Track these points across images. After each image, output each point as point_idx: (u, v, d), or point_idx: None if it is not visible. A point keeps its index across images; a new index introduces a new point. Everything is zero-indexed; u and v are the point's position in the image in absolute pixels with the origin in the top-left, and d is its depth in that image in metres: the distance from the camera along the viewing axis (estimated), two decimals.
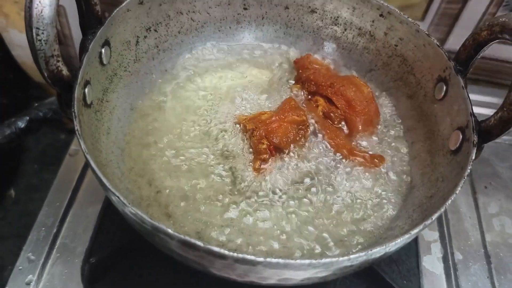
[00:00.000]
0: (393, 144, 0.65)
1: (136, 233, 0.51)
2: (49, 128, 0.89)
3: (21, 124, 0.77)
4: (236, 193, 0.57)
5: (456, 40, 0.58)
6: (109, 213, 0.65)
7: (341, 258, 0.40)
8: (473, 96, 0.57)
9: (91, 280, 0.59)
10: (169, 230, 0.40)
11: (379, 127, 0.66)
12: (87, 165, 0.72)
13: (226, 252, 0.40)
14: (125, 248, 0.61)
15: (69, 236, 0.63)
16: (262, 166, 0.59)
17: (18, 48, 0.88)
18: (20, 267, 0.60)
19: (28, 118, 0.77)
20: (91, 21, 0.55)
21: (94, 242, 0.62)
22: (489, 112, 0.66)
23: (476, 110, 0.55)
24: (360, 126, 0.65)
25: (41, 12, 0.44)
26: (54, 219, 0.65)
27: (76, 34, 0.90)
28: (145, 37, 0.66)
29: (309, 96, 0.67)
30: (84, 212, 0.65)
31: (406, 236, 0.43)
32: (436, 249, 0.67)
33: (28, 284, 0.59)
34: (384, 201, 0.59)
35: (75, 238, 0.63)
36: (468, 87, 0.57)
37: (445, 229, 0.70)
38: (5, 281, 0.64)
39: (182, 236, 0.40)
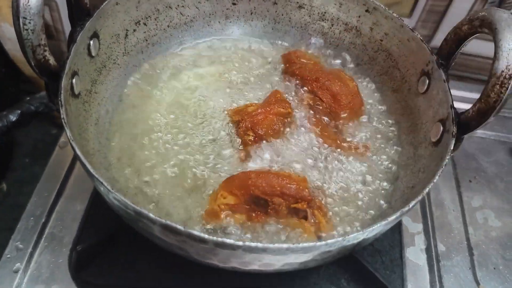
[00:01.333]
0: (378, 136, 0.66)
1: (122, 223, 0.52)
2: (40, 123, 0.90)
3: (13, 117, 0.77)
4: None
5: (442, 37, 0.59)
6: (97, 204, 0.66)
7: (318, 243, 0.41)
8: (457, 92, 0.58)
9: (78, 268, 0.60)
10: (151, 215, 0.41)
11: (363, 119, 0.67)
12: (76, 157, 0.72)
13: (206, 236, 0.41)
14: (111, 237, 0.62)
15: (57, 226, 0.64)
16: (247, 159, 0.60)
17: (9, 42, 0.88)
18: (8, 256, 0.61)
19: (19, 111, 0.78)
20: (79, 13, 0.56)
21: (82, 231, 0.63)
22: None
23: (461, 105, 0.56)
24: (344, 119, 0.66)
25: (28, 2, 0.45)
26: (42, 209, 0.66)
27: (68, 29, 0.91)
28: (134, 30, 0.67)
29: (296, 89, 0.68)
30: (72, 202, 0.66)
31: (383, 222, 0.44)
32: (420, 241, 0.68)
33: (15, 272, 0.60)
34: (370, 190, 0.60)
35: (63, 228, 0.64)
36: (453, 84, 0.58)
37: (429, 221, 0.71)
38: None
39: (163, 221, 0.41)
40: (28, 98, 0.81)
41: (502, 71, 0.47)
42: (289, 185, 0.52)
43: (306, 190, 0.53)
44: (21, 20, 0.45)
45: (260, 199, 0.52)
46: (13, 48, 0.89)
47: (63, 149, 0.75)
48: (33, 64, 0.48)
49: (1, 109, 0.75)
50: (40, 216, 0.65)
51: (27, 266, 0.60)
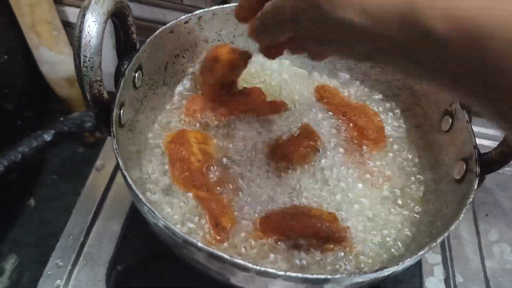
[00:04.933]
0: (402, 171, 0.69)
1: (160, 244, 0.55)
2: (69, 141, 0.94)
3: (47, 137, 0.80)
4: None
5: None
6: (133, 225, 0.69)
7: (353, 275, 0.45)
8: (476, 129, 0.61)
9: (116, 287, 0.63)
10: (199, 244, 0.45)
11: (386, 153, 0.71)
12: (112, 178, 0.76)
13: (249, 265, 0.44)
14: (150, 258, 0.65)
15: (94, 245, 0.68)
16: None
17: (46, 64, 0.93)
18: (49, 272, 0.65)
19: (53, 131, 0.81)
20: (127, 47, 0.61)
21: (118, 251, 0.67)
22: (491, 143, 0.70)
23: (480, 141, 0.59)
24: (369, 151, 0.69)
25: (89, 42, 0.49)
26: (81, 229, 0.69)
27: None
28: (173, 62, 0.71)
29: (325, 121, 0.71)
30: (109, 223, 0.70)
31: (414, 256, 0.47)
32: (439, 272, 0.71)
33: None
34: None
35: (100, 247, 0.67)
36: (475, 121, 0.61)
37: (447, 253, 0.74)
38: (29, 282, 0.68)
39: (210, 249, 0.45)
40: (61, 119, 0.84)
41: None
42: (320, 227, 0.56)
43: (337, 230, 0.56)
44: (81, 58, 0.49)
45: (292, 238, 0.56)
46: (48, 71, 0.93)
47: (99, 171, 0.78)
48: (89, 97, 0.52)
49: (32, 127, 0.79)
50: (79, 235, 0.68)
51: (66, 283, 0.64)
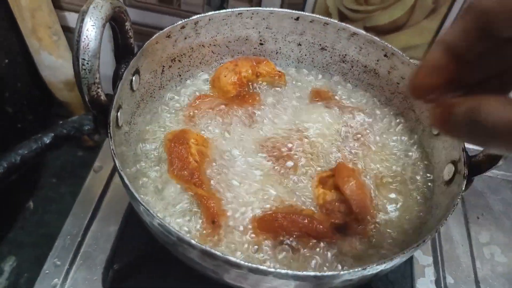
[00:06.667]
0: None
1: (155, 244, 0.57)
2: (68, 145, 0.95)
3: (46, 140, 0.82)
4: None
5: None
6: (129, 225, 0.71)
7: (342, 272, 0.46)
8: None
9: (112, 286, 0.64)
10: (192, 241, 0.46)
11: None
12: (109, 180, 0.78)
13: (241, 262, 0.45)
14: (145, 257, 0.66)
15: (92, 245, 0.69)
16: None
17: (47, 69, 0.94)
18: (47, 271, 0.66)
19: (53, 134, 0.82)
20: (125, 52, 0.62)
21: (115, 251, 0.68)
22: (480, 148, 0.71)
23: (469, 146, 0.60)
24: None
25: (88, 45, 0.50)
26: (78, 229, 0.70)
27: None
28: (170, 66, 0.72)
29: None
30: (106, 223, 0.71)
31: (401, 255, 0.48)
32: (430, 273, 0.73)
33: (53, 287, 0.64)
34: None
35: (97, 247, 0.69)
36: None
37: (438, 255, 0.75)
38: (26, 283, 0.69)
39: (203, 247, 0.46)
40: (61, 122, 0.86)
41: None
42: (312, 226, 0.57)
43: (328, 230, 0.58)
44: (80, 61, 0.51)
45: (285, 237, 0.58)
46: (49, 75, 0.95)
47: (97, 173, 0.80)
48: (87, 99, 0.54)
49: (33, 131, 0.80)
50: (76, 236, 0.70)
51: (64, 282, 0.65)
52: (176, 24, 0.69)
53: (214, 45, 0.76)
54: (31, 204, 0.91)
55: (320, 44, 0.78)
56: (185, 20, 0.70)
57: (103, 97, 0.55)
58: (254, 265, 0.45)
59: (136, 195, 0.49)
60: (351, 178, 0.62)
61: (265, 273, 0.46)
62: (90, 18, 0.50)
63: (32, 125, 0.98)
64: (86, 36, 0.50)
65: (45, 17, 0.87)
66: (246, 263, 0.45)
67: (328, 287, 0.50)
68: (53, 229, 0.73)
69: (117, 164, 0.52)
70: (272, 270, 0.45)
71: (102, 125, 0.57)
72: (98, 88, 0.54)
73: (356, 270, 0.46)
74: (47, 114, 1.05)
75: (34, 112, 0.98)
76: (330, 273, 0.46)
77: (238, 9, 0.73)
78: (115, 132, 0.58)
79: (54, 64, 0.93)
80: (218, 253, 0.46)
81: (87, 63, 0.51)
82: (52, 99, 1.00)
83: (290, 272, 0.45)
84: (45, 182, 0.95)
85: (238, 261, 0.45)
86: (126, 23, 0.59)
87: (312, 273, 0.46)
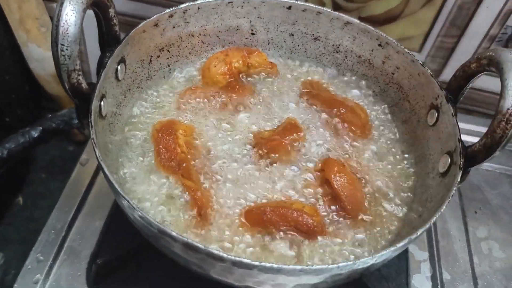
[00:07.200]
0: (389, 166, 0.68)
1: (141, 239, 0.55)
2: (58, 140, 0.93)
3: (34, 133, 0.80)
4: None
5: (451, 72, 0.63)
6: (115, 220, 0.69)
7: (330, 266, 0.44)
8: (465, 126, 0.61)
9: (96, 281, 0.62)
10: (174, 233, 0.44)
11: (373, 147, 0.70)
12: (96, 173, 0.76)
13: (224, 254, 0.43)
14: (130, 253, 0.64)
15: (76, 240, 0.67)
16: None
17: (35, 61, 0.92)
18: (29, 266, 0.64)
19: (41, 128, 0.81)
20: (109, 40, 0.60)
21: (100, 246, 0.66)
22: (476, 140, 0.69)
23: (469, 139, 0.58)
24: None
25: (67, 30, 0.49)
26: (63, 223, 0.68)
27: (91, 50, 0.95)
28: (158, 56, 0.70)
29: (311, 115, 0.71)
30: (92, 218, 0.69)
31: (392, 248, 0.46)
32: (426, 269, 0.71)
33: (35, 283, 0.62)
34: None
35: (82, 242, 0.67)
36: (462, 117, 0.61)
37: (434, 250, 0.73)
38: (13, 280, 0.67)
39: (185, 239, 0.44)
40: (49, 116, 0.84)
41: (508, 109, 0.50)
42: (301, 220, 0.55)
43: (318, 224, 0.56)
44: (59, 46, 0.49)
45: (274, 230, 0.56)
46: (38, 68, 0.93)
47: (84, 166, 0.78)
48: (67, 87, 0.52)
49: (23, 125, 0.79)
50: (61, 230, 0.68)
51: (46, 278, 0.63)
52: (164, 12, 0.67)
53: (204, 35, 0.74)
54: (20, 200, 0.89)
55: (313, 34, 0.76)
56: (173, 8, 0.68)
57: (84, 85, 0.53)
58: (237, 258, 0.43)
59: (116, 186, 0.47)
60: (342, 174, 0.61)
61: (249, 266, 0.44)
62: (70, 3, 0.49)
63: (20, 119, 0.96)
64: (65, 21, 0.48)
65: (32, 8, 0.85)
66: (229, 256, 0.43)
67: (317, 281, 0.47)
68: (42, 225, 0.71)
69: (97, 154, 0.50)
70: (257, 263, 0.43)
71: (84, 114, 0.55)
72: (78, 75, 0.52)
73: (345, 264, 0.44)
74: (36, 108, 1.03)
75: (23, 106, 0.97)
76: (317, 266, 0.44)
77: None
78: (98, 122, 0.56)
79: (42, 56, 0.91)
80: (200, 245, 0.44)
81: (66, 49, 0.49)
82: (42, 92, 0.98)
83: (275, 265, 0.43)
84: (35, 178, 0.93)
85: (221, 254, 0.43)
86: (110, 10, 0.57)
87: (298, 267, 0.44)
